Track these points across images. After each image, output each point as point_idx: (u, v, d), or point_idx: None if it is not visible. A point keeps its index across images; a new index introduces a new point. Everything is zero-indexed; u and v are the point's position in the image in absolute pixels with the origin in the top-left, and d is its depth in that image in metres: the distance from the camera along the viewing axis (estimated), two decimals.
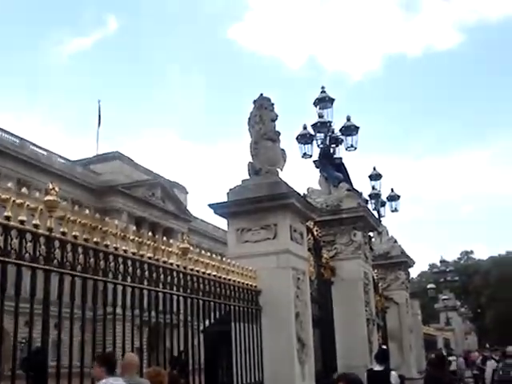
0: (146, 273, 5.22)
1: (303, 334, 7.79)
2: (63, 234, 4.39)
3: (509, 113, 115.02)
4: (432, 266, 64.02)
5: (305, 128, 12.76)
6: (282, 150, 8.51)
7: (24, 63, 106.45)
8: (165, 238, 5.91)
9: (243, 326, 6.97)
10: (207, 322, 6.52)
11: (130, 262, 5.00)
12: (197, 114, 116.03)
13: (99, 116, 56.56)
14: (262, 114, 8.41)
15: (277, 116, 8.51)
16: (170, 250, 5.63)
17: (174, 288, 5.65)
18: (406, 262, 16.60)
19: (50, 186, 4.27)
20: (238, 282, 7.03)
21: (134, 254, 5.09)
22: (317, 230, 10.26)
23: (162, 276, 5.43)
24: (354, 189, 12.10)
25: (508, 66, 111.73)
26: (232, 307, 6.88)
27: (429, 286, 31.52)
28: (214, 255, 6.79)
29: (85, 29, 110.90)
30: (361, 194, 12.80)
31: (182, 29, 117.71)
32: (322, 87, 13.04)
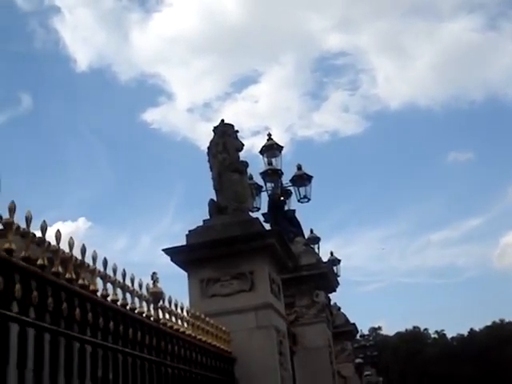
0: (112, 325, 3.43)
1: None
2: None
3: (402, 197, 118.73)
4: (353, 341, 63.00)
5: (251, 178, 11.35)
6: (250, 184, 7.05)
7: None
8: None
9: None
10: None
11: (89, 305, 3.22)
12: (103, 196, 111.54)
13: None
14: (226, 142, 6.94)
15: (242, 145, 7.07)
16: (139, 293, 3.86)
17: (145, 350, 3.85)
18: (351, 332, 15.20)
19: None
20: (214, 346, 5.27)
21: (87, 289, 3.31)
22: None
23: (130, 331, 3.64)
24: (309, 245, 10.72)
25: (405, 154, 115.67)
26: (204, 379, 5.06)
27: (356, 360, 30.18)
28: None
29: None
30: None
31: (94, 112, 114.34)
32: (269, 134, 11.81)
